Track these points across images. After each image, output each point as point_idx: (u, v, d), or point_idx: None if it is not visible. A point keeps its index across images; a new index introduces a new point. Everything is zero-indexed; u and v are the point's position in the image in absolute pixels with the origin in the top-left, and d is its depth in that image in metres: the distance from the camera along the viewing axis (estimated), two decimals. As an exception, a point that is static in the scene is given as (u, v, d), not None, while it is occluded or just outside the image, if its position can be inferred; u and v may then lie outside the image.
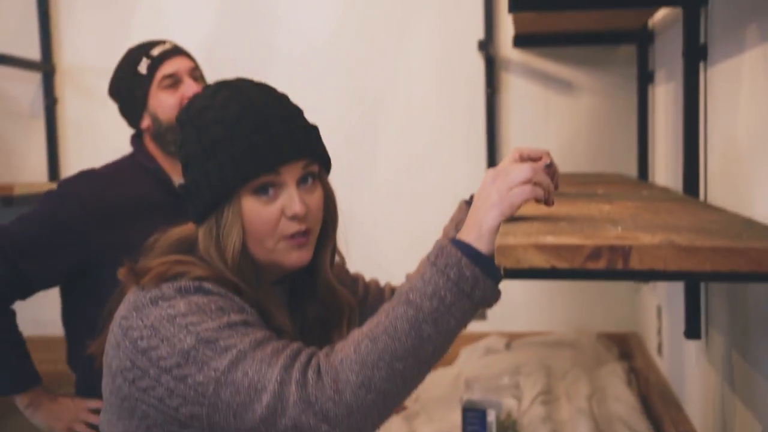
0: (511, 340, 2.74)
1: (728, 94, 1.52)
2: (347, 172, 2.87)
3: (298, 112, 1.28)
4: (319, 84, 2.88)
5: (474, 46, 2.77)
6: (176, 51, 2.03)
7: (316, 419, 1.04)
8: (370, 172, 2.88)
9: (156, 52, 2.01)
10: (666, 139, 2.21)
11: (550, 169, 1.35)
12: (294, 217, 1.21)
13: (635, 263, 0.88)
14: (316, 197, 1.25)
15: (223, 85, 1.25)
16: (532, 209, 1.14)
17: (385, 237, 2.87)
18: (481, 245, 1.04)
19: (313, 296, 1.34)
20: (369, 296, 1.52)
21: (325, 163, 1.29)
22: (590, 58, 2.78)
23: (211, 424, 1.11)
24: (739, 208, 1.39)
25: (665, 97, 2.22)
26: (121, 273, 1.21)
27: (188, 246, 1.25)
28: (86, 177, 1.97)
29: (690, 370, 1.87)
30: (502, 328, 2.82)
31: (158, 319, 1.13)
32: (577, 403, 2.17)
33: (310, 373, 1.05)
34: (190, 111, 1.24)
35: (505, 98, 2.84)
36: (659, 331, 2.27)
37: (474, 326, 2.81)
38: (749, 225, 1.12)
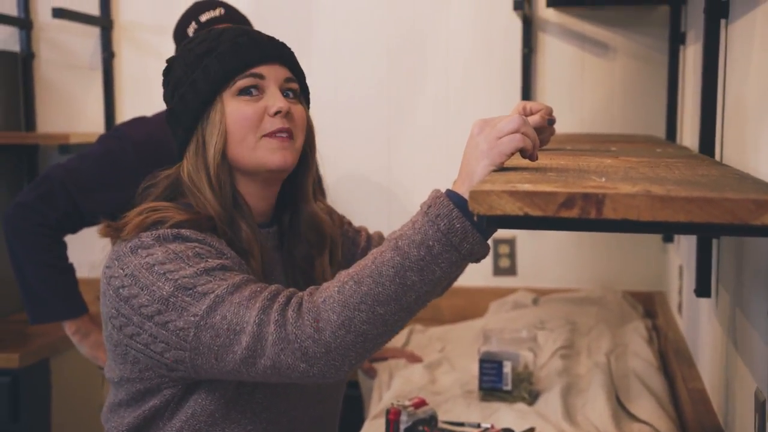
0: (539, 296, 2.78)
1: (743, 50, 1.52)
2: (386, 131, 2.92)
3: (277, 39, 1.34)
4: (359, 47, 2.92)
5: (510, 5, 2.78)
6: (225, 19, 2.10)
7: (294, 357, 1.06)
8: (409, 130, 2.92)
9: (204, 18, 2.09)
10: (693, 100, 2.21)
11: (551, 126, 1.38)
12: (278, 113, 1.24)
13: (609, 212, 0.88)
14: (299, 109, 1.29)
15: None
16: (527, 160, 1.17)
17: (423, 193, 2.90)
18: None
19: (299, 232, 1.36)
20: (371, 246, 1.55)
21: (303, 86, 1.34)
22: (626, 18, 2.77)
23: (194, 367, 1.15)
24: (747, 167, 1.40)
25: (694, 58, 2.22)
26: (101, 231, 1.26)
27: (175, 188, 1.29)
28: (139, 122, 2.13)
29: (703, 328, 1.90)
30: (531, 284, 2.86)
31: (137, 268, 1.17)
32: (596, 358, 2.21)
33: (290, 312, 1.08)
34: (175, 54, 1.32)
35: (541, 58, 2.85)
36: (680, 291, 2.29)
37: (504, 281, 2.89)
38: (741, 179, 1.12)
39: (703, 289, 1.70)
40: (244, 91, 1.26)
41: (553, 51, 2.84)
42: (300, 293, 1.13)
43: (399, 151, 2.93)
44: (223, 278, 1.15)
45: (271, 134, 1.26)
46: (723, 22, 1.68)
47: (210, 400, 1.25)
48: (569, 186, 0.93)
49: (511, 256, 2.89)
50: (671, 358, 2.14)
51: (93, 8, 3.00)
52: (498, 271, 2.90)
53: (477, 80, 2.88)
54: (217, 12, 2.12)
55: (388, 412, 1.71)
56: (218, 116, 1.25)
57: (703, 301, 1.85)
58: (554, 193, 0.89)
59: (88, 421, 2.68)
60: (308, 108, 1.37)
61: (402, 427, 1.70)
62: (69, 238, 2.12)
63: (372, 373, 2.37)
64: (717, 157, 1.68)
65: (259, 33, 1.31)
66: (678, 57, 2.51)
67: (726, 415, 1.59)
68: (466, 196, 1.06)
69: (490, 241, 3.00)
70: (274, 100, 1.26)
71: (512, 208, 0.89)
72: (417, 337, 2.62)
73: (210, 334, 1.12)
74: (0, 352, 2.48)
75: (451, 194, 1.08)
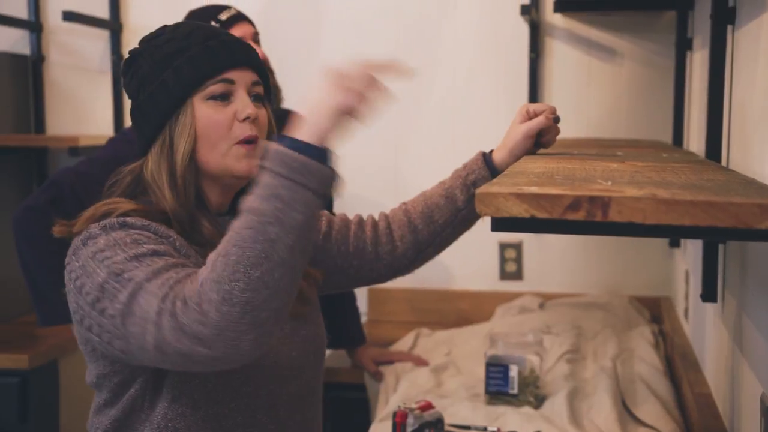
0: (546, 300, 2.79)
1: (749, 56, 1.53)
2: (393, 134, 2.93)
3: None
4: (366, 50, 2.93)
5: (517, 10, 2.79)
6: (241, 17, 2.15)
7: (191, 343, 1.06)
8: (415, 133, 2.94)
9: (224, 16, 2.12)
10: (700, 105, 2.22)
11: (556, 124, 1.39)
12: (246, 119, 1.27)
13: (614, 215, 0.88)
14: (263, 114, 1.32)
15: (177, 23, 1.36)
16: (534, 164, 1.18)
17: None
18: (306, 135, 1.08)
19: None
20: (333, 230, 1.55)
21: (267, 89, 1.36)
22: (632, 24, 2.78)
23: (134, 355, 1.16)
24: (753, 172, 1.41)
25: (701, 64, 2.22)
26: (56, 231, 1.29)
27: (138, 184, 1.32)
28: None
29: (709, 333, 1.90)
30: (537, 288, 2.87)
31: (85, 258, 1.19)
32: (602, 362, 2.21)
33: (179, 303, 1.07)
34: (139, 45, 1.33)
35: (548, 63, 2.86)
36: (686, 296, 2.29)
37: (510, 286, 2.89)
38: (747, 184, 1.13)
39: (709, 294, 1.71)
40: (215, 96, 1.28)
41: (560, 56, 2.85)
42: (188, 280, 1.13)
43: (406, 154, 2.94)
44: (149, 264, 1.15)
45: (240, 142, 1.28)
46: (730, 27, 1.69)
47: (185, 381, 1.26)
48: (575, 189, 0.93)
49: (518, 260, 2.89)
50: (677, 363, 2.14)
51: (103, 11, 3.03)
52: (504, 275, 2.91)
53: (484, 84, 2.89)
54: (233, 11, 2.16)
55: (394, 414, 1.71)
56: (188, 119, 1.27)
57: (710, 306, 1.85)
58: (560, 196, 0.89)
59: (96, 422, 2.69)
60: (271, 106, 1.39)
61: (409, 429, 1.71)
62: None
63: (379, 377, 2.38)
64: (723, 162, 1.69)
65: (227, 35, 1.33)
66: (684, 62, 2.52)
67: (732, 419, 1.60)
68: (297, 136, 1.08)
69: (496, 246, 3.00)
70: (243, 105, 1.28)
71: (519, 210, 0.89)
72: (423, 340, 2.63)
73: (131, 321, 1.12)
74: (9, 353, 2.50)
75: (281, 141, 1.09)
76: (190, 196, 1.29)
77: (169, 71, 1.27)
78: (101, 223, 1.23)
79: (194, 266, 1.19)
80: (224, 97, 1.28)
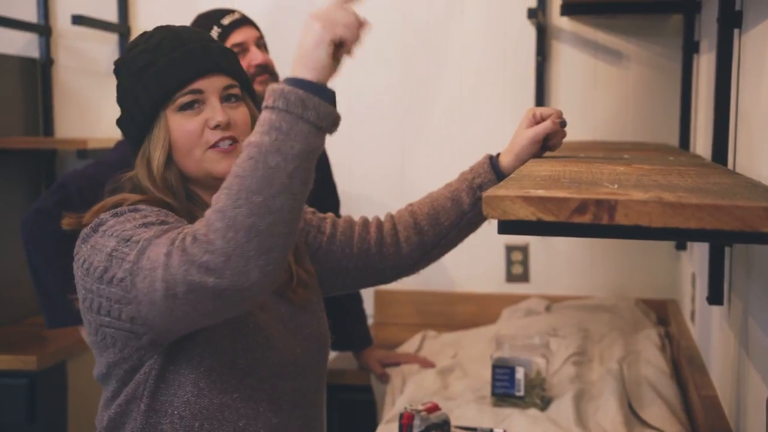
0: (552, 302, 2.79)
1: (756, 59, 1.53)
2: (400, 137, 2.95)
3: (216, 40, 1.39)
4: (374, 54, 2.94)
5: (524, 13, 2.79)
6: (244, 21, 2.15)
7: (200, 274, 1.09)
8: (422, 136, 2.94)
9: (226, 21, 2.13)
10: (707, 109, 2.22)
11: (563, 128, 1.40)
12: (216, 127, 1.29)
13: (621, 218, 0.89)
14: (240, 112, 1.34)
15: (154, 28, 1.38)
16: (540, 168, 1.19)
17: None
18: (304, 73, 1.12)
19: None
20: (337, 232, 1.56)
21: (246, 86, 1.37)
22: (639, 27, 2.79)
23: (144, 320, 1.18)
24: (760, 175, 1.41)
25: (707, 67, 2.23)
26: (65, 223, 1.33)
27: (137, 187, 1.35)
28: None
29: (715, 335, 1.91)
30: (543, 291, 2.87)
31: (95, 240, 1.24)
32: (609, 365, 2.21)
33: (188, 239, 1.11)
34: (122, 56, 1.37)
35: (554, 66, 2.86)
36: (693, 299, 2.29)
37: (516, 288, 2.90)
38: (752, 187, 1.13)
39: (715, 296, 1.71)
40: (186, 106, 1.31)
41: (567, 59, 2.85)
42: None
43: (413, 158, 2.95)
44: (158, 227, 1.20)
45: (214, 146, 1.31)
46: (736, 31, 1.69)
47: (191, 369, 1.28)
48: (582, 192, 0.94)
49: (524, 263, 2.90)
50: (684, 365, 2.14)
51: (111, 15, 3.04)
52: (511, 277, 2.91)
53: (490, 87, 2.89)
54: (237, 15, 2.16)
55: (401, 416, 1.72)
56: (162, 132, 1.31)
57: (716, 309, 1.85)
58: (567, 199, 0.90)
59: (104, 423, 2.71)
60: (254, 98, 1.40)
61: (415, 431, 1.71)
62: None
63: (385, 378, 2.39)
64: (730, 165, 1.69)
65: (196, 41, 1.34)
66: (691, 66, 2.53)
67: (738, 422, 1.60)
68: (295, 74, 1.12)
69: (502, 248, 3.00)
70: (214, 112, 1.31)
71: (525, 213, 0.90)
72: (430, 343, 2.64)
73: (140, 277, 1.15)
74: (18, 354, 2.51)
75: (277, 83, 1.14)
76: (180, 195, 1.33)
77: (140, 87, 1.31)
78: (112, 211, 1.28)
79: None
80: (195, 106, 1.31)
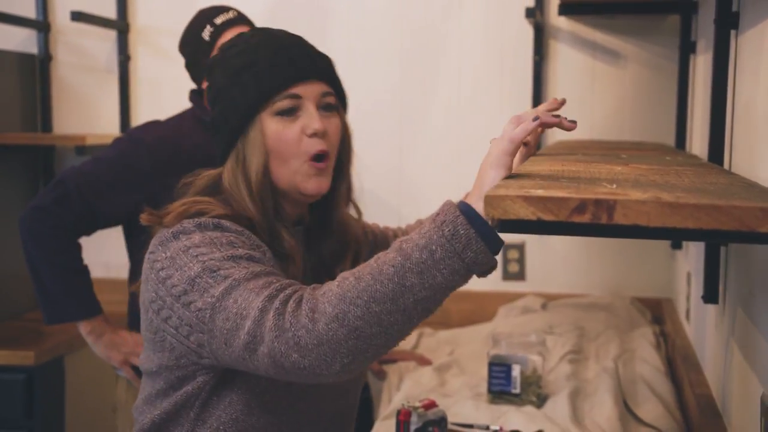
0: (548, 301, 2.81)
1: (753, 60, 1.54)
2: (398, 136, 2.96)
3: (313, 46, 1.36)
4: (372, 53, 2.95)
5: (522, 13, 2.80)
6: (238, 21, 2.15)
7: (287, 346, 1.07)
8: (420, 135, 2.95)
9: (219, 20, 2.13)
10: (703, 109, 2.24)
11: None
12: (314, 134, 1.28)
13: (619, 218, 0.90)
14: (334, 123, 1.33)
15: (249, 30, 1.37)
16: (540, 167, 1.19)
17: (434, 197, 2.93)
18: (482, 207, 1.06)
19: (328, 233, 1.39)
20: (377, 247, 1.57)
21: (341, 96, 1.37)
22: (637, 27, 2.80)
23: (213, 352, 1.17)
24: (756, 175, 1.42)
25: (704, 67, 2.24)
26: (143, 218, 1.30)
27: (215, 187, 1.33)
28: (152, 126, 2.16)
29: (710, 334, 1.92)
30: (539, 289, 2.89)
31: (176, 251, 1.21)
32: (604, 363, 2.23)
33: (291, 303, 1.09)
34: (218, 55, 1.35)
35: (552, 66, 2.87)
36: (688, 297, 2.31)
37: (512, 286, 2.91)
38: (749, 187, 1.15)
39: (710, 295, 1.72)
40: (282, 112, 1.29)
41: (565, 59, 2.86)
42: (307, 287, 1.14)
43: (411, 156, 2.96)
44: (246, 266, 1.17)
45: (310, 159, 1.29)
46: (733, 32, 1.71)
47: (246, 389, 1.28)
48: (581, 192, 0.95)
49: (520, 261, 2.91)
50: (678, 363, 2.16)
51: (110, 12, 3.05)
52: (507, 275, 2.93)
53: (488, 86, 2.90)
54: (231, 14, 2.16)
55: (398, 413, 1.73)
56: (258, 135, 1.29)
57: (711, 308, 1.87)
58: (567, 199, 0.91)
59: (101, 418, 2.72)
60: (346, 111, 1.39)
61: (412, 428, 1.72)
62: (83, 240, 2.16)
63: (382, 375, 2.40)
64: (726, 165, 1.71)
65: (296, 46, 1.33)
66: (688, 66, 2.54)
67: (732, 419, 1.61)
68: (476, 206, 1.08)
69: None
70: (311, 120, 1.29)
71: (525, 212, 0.92)
72: (426, 340, 2.65)
73: (222, 316, 1.14)
74: (16, 349, 2.52)
75: (460, 204, 1.10)
76: (269, 209, 1.30)
77: (237, 87, 1.29)
78: (195, 220, 1.25)
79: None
80: (291, 112, 1.29)
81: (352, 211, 1.47)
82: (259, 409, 1.29)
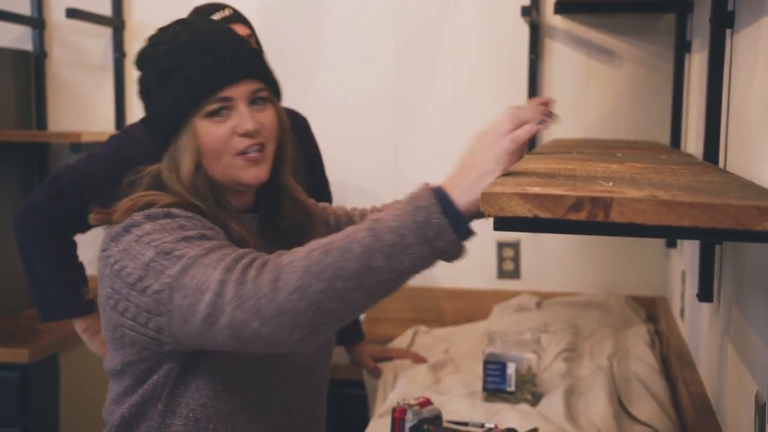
0: (543, 299, 2.81)
1: (748, 59, 1.55)
2: (393, 134, 2.96)
3: (243, 40, 1.35)
4: (368, 50, 2.95)
5: (517, 11, 2.81)
6: (234, 18, 2.15)
7: (248, 314, 1.07)
8: (416, 133, 2.95)
9: (215, 18, 2.13)
10: (698, 108, 2.24)
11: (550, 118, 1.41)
12: (246, 134, 1.28)
13: (615, 216, 0.90)
14: (267, 115, 1.32)
15: (175, 23, 1.35)
16: (536, 165, 1.20)
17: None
18: (462, 199, 1.08)
19: (279, 218, 1.39)
20: (341, 225, 1.56)
21: (273, 87, 1.36)
22: (632, 26, 2.80)
23: (172, 334, 1.18)
24: (751, 174, 1.43)
25: (699, 66, 2.24)
26: (92, 218, 1.30)
27: (158, 182, 1.33)
28: None
29: (704, 332, 1.93)
30: (534, 287, 2.89)
31: (129, 242, 1.22)
32: (599, 361, 2.23)
33: (251, 271, 1.09)
34: (145, 50, 1.34)
35: (547, 64, 2.88)
36: (682, 296, 2.32)
37: (507, 284, 2.91)
38: (744, 186, 1.15)
39: (705, 293, 1.73)
40: (214, 113, 1.29)
41: (560, 57, 2.87)
42: (268, 256, 1.14)
43: (406, 154, 2.96)
44: (199, 244, 1.18)
45: (242, 153, 1.30)
46: (728, 31, 1.71)
47: (210, 373, 1.28)
48: (577, 189, 0.95)
49: (515, 259, 2.92)
50: (673, 362, 2.17)
51: (105, 9, 3.04)
52: (502, 274, 2.93)
53: (484, 85, 2.91)
54: (227, 12, 2.16)
55: (394, 410, 1.73)
56: (190, 140, 1.29)
57: (705, 306, 1.87)
58: (563, 196, 0.92)
59: (96, 415, 2.71)
60: (280, 98, 1.39)
61: (407, 425, 1.72)
62: (78, 237, 2.15)
63: (377, 373, 2.40)
64: (721, 164, 1.71)
65: (224, 44, 1.32)
66: (683, 65, 2.54)
67: (726, 417, 1.62)
68: (454, 196, 1.09)
69: (494, 245, 3.01)
70: (242, 119, 1.29)
71: (522, 210, 0.92)
72: (421, 338, 2.65)
73: (180, 294, 1.14)
74: (10, 347, 2.51)
75: (437, 190, 1.10)
76: (210, 203, 1.31)
77: (167, 91, 1.29)
78: (145, 212, 1.25)
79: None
80: (223, 113, 1.30)
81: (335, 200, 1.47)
82: (225, 393, 1.29)
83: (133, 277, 1.19)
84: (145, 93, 1.34)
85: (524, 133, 1.12)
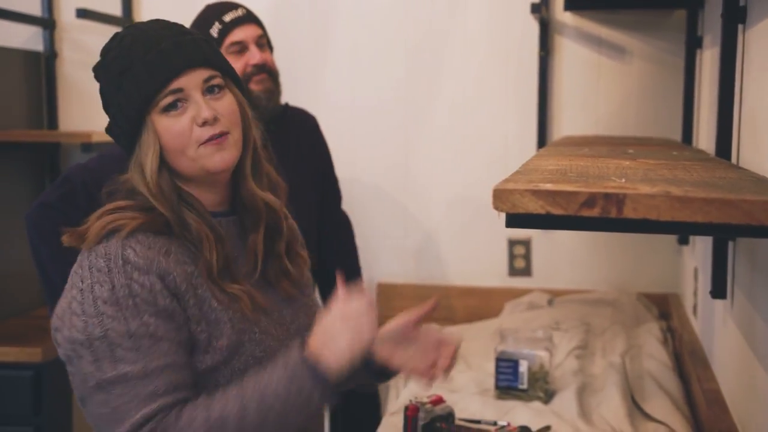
0: (554, 296, 2.81)
1: (760, 54, 1.54)
2: (403, 132, 2.96)
3: (188, 31, 1.35)
4: (377, 49, 2.95)
5: (527, 8, 2.80)
6: (247, 18, 2.14)
7: None
8: (425, 131, 2.95)
9: (228, 18, 2.13)
10: (710, 104, 2.23)
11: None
12: (204, 123, 1.28)
13: (629, 212, 0.90)
14: (225, 102, 1.31)
15: (124, 28, 1.36)
16: (546, 162, 1.19)
17: (437, 192, 2.95)
18: (330, 361, 1.23)
19: (259, 220, 1.39)
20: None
21: (229, 74, 1.35)
22: (642, 22, 2.79)
23: (76, 389, 1.26)
24: (764, 170, 1.42)
25: (711, 62, 2.24)
26: (65, 240, 1.32)
27: (133, 191, 1.33)
28: None
29: (718, 329, 1.92)
30: (546, 285, 2.88)
31: (87, 289, 1.23)
32: (611, 358, 2.23)
33: None
34: (99, 61, 1.35)
35: (557, 61, 2.87)
36: (695, 292, 2.31)
37: (519, 282, 2.91)
38: (758, 182, 1.15)
39: (718, 290, 1.72)
40: (169, 107, 1.28)
41: (570, 54, 2.86)
42: (172, 415, 1.20)
43: (416, 153, 2.96)
44: (146, 354, 1.20)
45: (204, 143, 1.29)
46: (740, 26, 1.70)
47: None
48: (590, 186, 0.95)
49: (527, 257, 2.91)
50: (686, 359, 2.16)
51: (115, 9, 3.05)
52: (513, 271, 2.92)
53: (493, 82, 2.90)
54: (240, 12, 2.15)
55: (406, 408, 1.73)
56: (151, 137, 1.29)
57: (719, 303, 1.87)
58: (576, 193, 0.91)
59: (108, 415, 2.72)
60: (240, 85, 1.38)
61: (420, 423, 1.72)
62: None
63: (388, 371, 2.40)
64: (733, 160, 1.70)
65: (167, 38, 1.31)
66: (694, 61, 2.53)
67: (741, 414, 1.61)
68: (327, 361, 1.23)
69: (505, 242, 3.01)
70: (199, 109, 1.28)
71: (534, 206, 0.92)
72: (433, 336, 2.65)
73: (99, 400, 1.19)
74: (23, 346, 2.52)
75: (307, 363, 1.24)
76: (171, 199, 1.30)
77: (120, 94, 1.29)
78: (107, 252, 1.25)
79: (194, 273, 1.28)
80: (179, 105, 1.28)
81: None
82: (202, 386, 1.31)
83: (79, 337, 1.21)
84: (105, 103, 1.34)
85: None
